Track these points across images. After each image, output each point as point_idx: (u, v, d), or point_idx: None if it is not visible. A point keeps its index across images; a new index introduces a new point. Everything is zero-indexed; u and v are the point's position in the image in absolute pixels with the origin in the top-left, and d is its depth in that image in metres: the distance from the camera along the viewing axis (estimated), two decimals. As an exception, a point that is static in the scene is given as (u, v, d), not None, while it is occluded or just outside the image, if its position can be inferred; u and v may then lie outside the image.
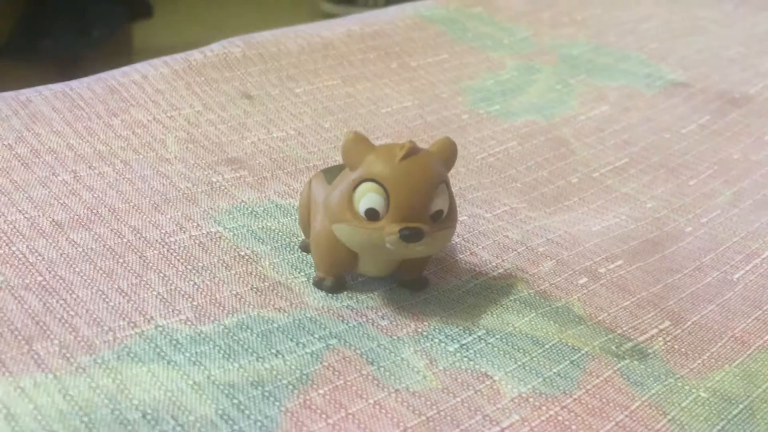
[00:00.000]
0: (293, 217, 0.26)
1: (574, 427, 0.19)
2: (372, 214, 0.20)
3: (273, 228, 0.26)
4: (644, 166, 0.35)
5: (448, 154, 0.21)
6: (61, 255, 0.23)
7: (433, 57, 0.42)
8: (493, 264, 0.26)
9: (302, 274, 0.24)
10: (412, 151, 0.20)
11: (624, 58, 0.46)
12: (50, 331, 0.20)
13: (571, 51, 0.46)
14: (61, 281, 0.22)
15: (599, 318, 0.23)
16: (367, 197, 0.20)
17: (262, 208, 0.27)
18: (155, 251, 0.24)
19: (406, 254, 0.21)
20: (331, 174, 0.23)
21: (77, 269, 0.22)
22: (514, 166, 0.34)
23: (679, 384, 0.21)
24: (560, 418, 0.19)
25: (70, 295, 0.21)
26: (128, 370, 0.19)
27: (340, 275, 0.23)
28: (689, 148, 0.37)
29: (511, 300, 0.23)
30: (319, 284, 0.23)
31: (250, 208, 0.27)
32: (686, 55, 0.47)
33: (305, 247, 0.25)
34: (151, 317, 0.21)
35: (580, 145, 0.36)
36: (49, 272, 0.22)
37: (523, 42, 0.46)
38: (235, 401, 0.18)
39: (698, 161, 0.36)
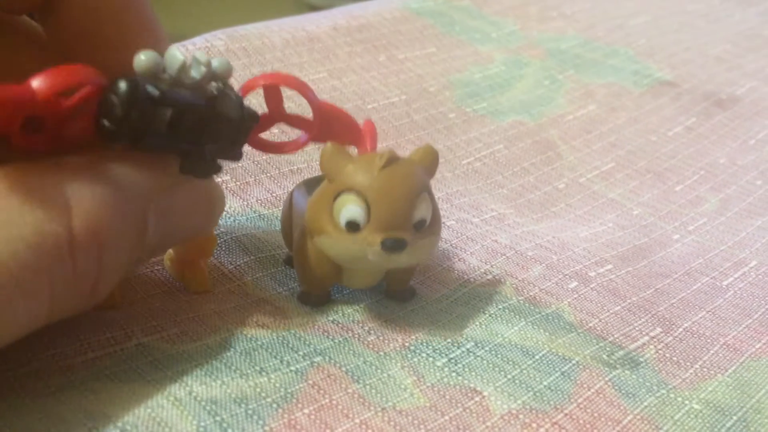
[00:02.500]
0: (276, 228, 0.26)
1: (565, 444, 0.18)
2: (353, 226, 0.19)
3: (255, 240, 0.25)
4: (631, 171, 0.35)
5: (429, 161, 0.21)
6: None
7: (421, 50, 0.41)
8: (482, 270, 0.25)
9: (285, 288, 0.23)
10: (392, 159, 0.19)
11: (612, 53, 0.46)
12: (28, 350, 0.19)
13: (559, 45, 0.45)
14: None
15: (590, 324, 0.23)
16: (347, 209, 0.19)
17: (244, 218, 0.26)
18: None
19: (390, 265, 0.20)
20: (312, 185, 0.22)
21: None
22: (500, 171, 0.33)
23: (672, 395, 0.20)
24: (551, 434, 0.19)
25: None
26: (107, 389, 0.18)
27: (324, 289, 0.22)
28: (676, 151, 0.37)
29: (500, 309, 0.23)
30: (303, 299, 0.22)
31: (232, 218, 0.26)
32: (674, 53, 0.47)
33: (289, 261, 0.24)
34: (132, 333, 0.20)
35: (566, 148, 0.36)
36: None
37: (511, 36, 0.45)
38: (218, 418, 0.18)
39: (685, 166, 0.36)
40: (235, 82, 0.20)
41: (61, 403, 0.17)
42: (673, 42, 0.49)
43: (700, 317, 0.24)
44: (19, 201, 0.15)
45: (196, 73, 0.18)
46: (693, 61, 0.46)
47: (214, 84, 0.19)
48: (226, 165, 0.28)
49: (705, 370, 0.22)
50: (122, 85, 0.17)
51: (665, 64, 0.45)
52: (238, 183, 0.28)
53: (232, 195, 0.27)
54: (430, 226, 0.20)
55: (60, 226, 0.15)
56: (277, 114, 0.22)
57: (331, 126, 0.22)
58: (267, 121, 0.22)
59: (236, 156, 0.20)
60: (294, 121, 0.22)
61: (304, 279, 0.22)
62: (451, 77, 0.40)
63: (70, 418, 0.17)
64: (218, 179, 0.28)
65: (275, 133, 0.29)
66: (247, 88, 0.21)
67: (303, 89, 0.21)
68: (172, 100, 0.18)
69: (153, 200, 0.18)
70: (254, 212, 0.27)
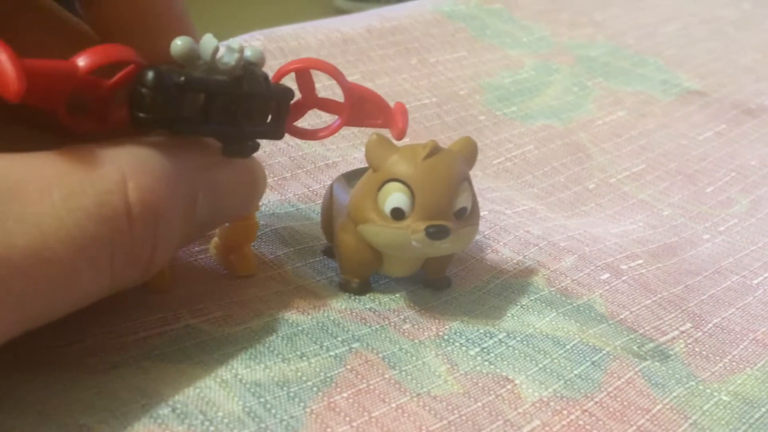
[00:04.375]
0: (313, 220, 0.27)
1: (595, 431, 0.19)
2: (398, 214, 0.20)
3: (294, 232, 0.26)
4: (661, 173, 0.35)
5: (469, 152, 0.21)
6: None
7: (452, 54, 0.42)
8: (515, 261, 0.26)
9: (324, 277, 0.24)
10: (435, 150, 0.20)
11: (641, 62, 0.46)
12: (82, 328, 0.20)
13: (589, 52, 0.46)
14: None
15: (621, 316, 0.23)
16: (393, 197, 0.20)
17: (283, 211, 0.27)
18: (185, 257, 0.24)
19: (432, 252, 0.21)
20: (352, 177, 0.23)
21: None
22: (530, 171, 0.34)
23: (701, 387, 0.21)
24: (581, 422, 0.19)
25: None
26: (157, 369, 0.19)
27: (364, 277, 0.23)
28: (706, 154, 0.37)
29: (531, 300, 0.24)
30: (345, 287, 0.23)
31: (270, 211, 0.27)
32: (703, 63, 0.47)
33: (328, 252, 0.25)
34: (181, 316, 0.21)
35: (596, 150, 0.36)
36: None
37: (541, 41, 0.46)
38: (262, 400, 0.18)
39: (715, 168, 0.36)
40: (269, 73, 0.21)
41: (114, 380, 0.18)
42: (703, 51, 0.49)
43: (730, 314, 0.24)
44: (80, 175, 0.16)
45: (229, 59, 0.19)
46: (722, 71, 0.47)
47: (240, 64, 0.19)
48: (266, 162, 0.29)
49: (734, 363, 0.22)
50: (149, 74, 0.18)
51: (694, 74, 0.46)
52: (275, 178, 0.29)
53: (270, 190, 0.28)
54: (471, 216, 0.21)
55: (118, 198, 0.16)
56: (310, 100, 0.23)
57: (362, 108, 0.23)
58: (301, 108, 0.23)
59: (278, 134, 0.21)
60: (327, 105, 0.23)
61: (345, 267, 0.23)
62: (482, 81, 0.40)
63: (123, 394, 0.18)
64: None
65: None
66: (281, 73, 0.22)
67: (333, 72, 0.22)
68: (199, 85, 0.18)
69: (201, 176, 0.19)
70: (292, 206, 0.28)
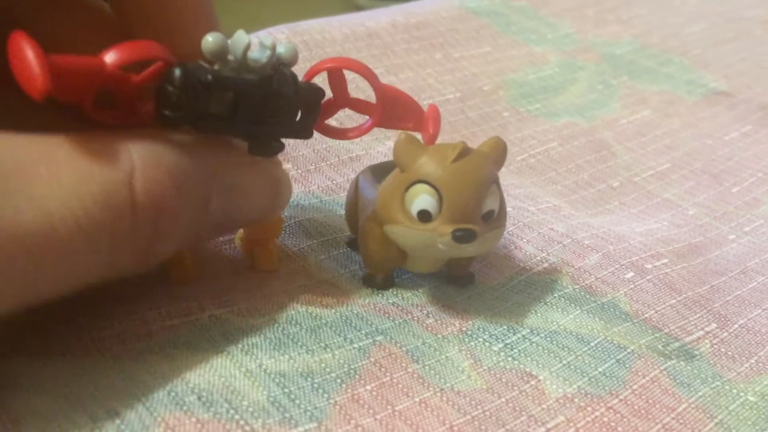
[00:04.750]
0: (337, 213, 0.27)
1: (620, 429, 0.19)
2: (424, 216, 0.20)
3: (318, 224, 0.26)
4: (686, 172, 0.35)
5: (498, 153, 0.21)
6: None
7: (476, 49, 0.42)
8: (539, 258, 0.26)
9: (347, 271, 0.24)
10: (465, 152, 0.20)
11: (666, 62, 0.46)
12: (110, 315, 0.20)
13: (614, 50, 0.45)
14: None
15: (646, 315, 0.23)
16: (420, 199, 0.20)
17: (306, 203, 0.27)
18: (210, 250, 0.24)
19: (458, 254, 0.21)
20: (378, 171, 0.23)
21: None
22: (554, 168, 0.34)
23: (727, 387, 0.21)
24: (606, 419, 0.19)
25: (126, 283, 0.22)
26: (183, 356, 0.19)
27: (388, 272, 0.23)
28: (732, 154, 0.37)
29: (555, 297, 0.24)
30: (368, 281, 0.23)
31: (295, 203, 0.27)
32: (729, 64, 0.47)
33: (351, 244, 0.25)
34: (206, 307, 0.21)
35: (621, 148, 0.36)
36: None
37: (566, 38, 0.46)
38: (286, 390, 0.18)
39: (741, 168, 0.36)
40: (298, 72, 0.21)
41: (141, 366, 0.18)
42: (729, 52, 0.48)
43: (756, 315, 0.24)
44: (89, 161, 0.16)
45: (260, 56, 0.19)
46: (748, 73, 0.46)
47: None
48: (290, 154, 0.29)
49: (760, 364, 0.22)
50: (176, 72, 0.18)
51: (720, 74, 0.45)
52: (299, 171, 0.29)
53: (294, 182, 0.28)
54: (498, 218, 0.21)
55: (124, 188, 0.16)
56: (341, 99, 0.22)
57: (394, 110, 0.22)
58: (332, 107, 0.23)
59: (306, 134, 0.21)
60: (358, 105, 0.23)
61: (369, 262, 0.23)
62: (506, 77, 0.40)
63: (150, 381, 0.18)
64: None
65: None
66: (313, 71, 0.21)
67: (366, 73, 0.22)
68: (227, 84, 0.18)
69: (217, 178, 0.19)
70: (316, 198, 0.28)
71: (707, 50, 0.48)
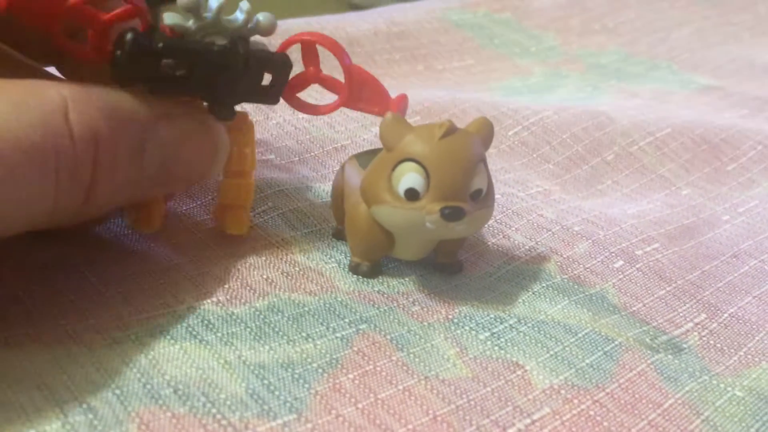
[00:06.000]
0: (323, 202, 0.26)
1: (605, 423, 0.18)
2: (412, 194, 0.20)
3: (302, 215, 0.26)
4: (686, 139, 0.34)
5: (485, 133, 0.21)
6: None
7: (460, 62, 0.42)
8: (527, 247, 0.25)
9: (333, 259, 0.23)
10: (451, 130, 0.20)
11: (654, 67, 0.45)
12: (84, 308, 0.20)
13: (599, 60, 0.45)
14: (92, 263, 0.22)
15: (634, 308, 0.23)
16: (407, 177, 0.20)
17: (291, 192, 0.27)
18: (187, 236, 0.23)
19: (446, 234, 0.21)
20: (364, 159, 0.22)
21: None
22: (548, 140, 0.33)
23: (714, 382, 0.20)
24: (592, 413, 0.19)
25: (101, 274, 0.21)
26: (160, 346, 0.19)
27: (375, 260, 0.22)
28: (733, 124, 0.36)
29: (543, 287, 0.23)
30: (355, 269, 0.22)
31: (279, 194, 0.26)
32: (719, 65, 0.46)
33: (337, 235, 0.24)
34: (183, 299, 0.21)
35: (620, 114, 0.35)
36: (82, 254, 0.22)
37: (550, 51, 0.45)
38: (266, 382, 0.18)
39: (742, 138, 0.35)
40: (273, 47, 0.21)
41: (117, 356, 0.18)
42: (718, 55, 0.48)
43: (746, 302, 0.24)
44: (22, 94, 0.17)
45: (236, 18, 0.20)
46: (739, 72, 0.45)
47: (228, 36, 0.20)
48: (273, 145, 0.29)
49: (749, 357, 0.21)
50: (128, 36, 0.19)
51: (711, 75, 0.45)
52: (283, 161, 0.28)
53: (279, 171, 0.28)
54: (486, 198, 0.20)
55: (60, 117, 0.17)
56: (311, 74, 0.23)
57: (361, 92, 0.23)
58: (303, 81, 0.23)
59: (272, 100, 0.22)
60: (327, 82, 0.23)
61: (356, 249, 0.22)
62: (491, 84, 0.40)
63: (125, 371, 0.18)
64: (264, 157, 0.28)
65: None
66: (287, 43, 0.22)
67: (337, 50, 0.22)
68: (177, 52, 0.19)
69: (151, 126, 0.19)
70: (302, 188, 0.27)
71: (696, 54, 0.48)
